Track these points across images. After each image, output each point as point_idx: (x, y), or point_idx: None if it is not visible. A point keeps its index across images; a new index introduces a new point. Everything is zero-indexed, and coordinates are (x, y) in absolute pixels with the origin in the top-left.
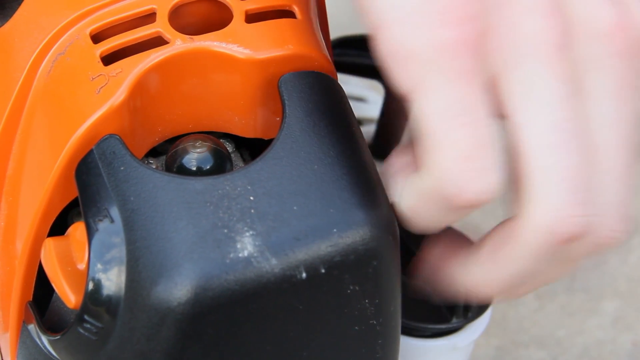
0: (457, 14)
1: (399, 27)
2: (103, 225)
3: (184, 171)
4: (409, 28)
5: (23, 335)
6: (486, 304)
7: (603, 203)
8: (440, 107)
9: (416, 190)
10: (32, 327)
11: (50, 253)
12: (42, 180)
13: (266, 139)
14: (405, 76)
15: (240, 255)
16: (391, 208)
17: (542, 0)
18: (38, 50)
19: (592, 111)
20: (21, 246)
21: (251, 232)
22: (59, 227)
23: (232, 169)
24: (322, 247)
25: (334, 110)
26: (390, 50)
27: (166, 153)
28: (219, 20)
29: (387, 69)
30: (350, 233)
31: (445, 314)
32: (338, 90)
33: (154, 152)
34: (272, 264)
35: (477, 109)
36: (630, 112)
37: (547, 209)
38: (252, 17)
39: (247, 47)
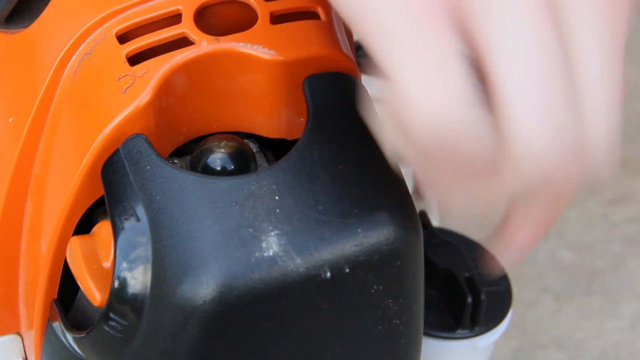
0: None
1: None
2: (129, 224)
3: (208, 171)
4: None
5: (48, 332)
6: (504, 309)
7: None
8: (407, 40)
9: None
10: (57, 325)
11: (76, 251)
12: (68, 179)
13: (290, 139)
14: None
15: (265, 254)
16: (415, 209)
17: None
18: (64, 50)
19: (574, 39)
20: (46, 245)
21: (276, 232)
22: (83, 226)
23: (256, 169)
24: (347, 247)
25: (358, 111)
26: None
27: (191, 153)
28: (244, 21)
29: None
30: (375, 233)
31: (451, 324)
32: (360, 89)
33: (178, 152)
34: (297, 264)
35: (445, 38)
36: (613, 39)
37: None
38: (277, 19)
39: (271, 48)
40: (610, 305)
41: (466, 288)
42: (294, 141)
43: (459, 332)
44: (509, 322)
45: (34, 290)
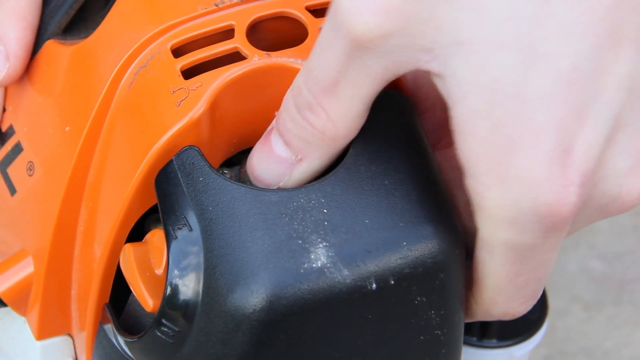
0: None
1: None
2: (182, 233)
3: None
4: None
5: (99, 334)
6: (541, 319)
7: None
8: None
9: None
10: (109, 327)
11: (130, 258)
12: (122, 188)
13: None
14: None
15: (313, 265)
16: (458, 223)
17: None
18: (121, 62)
19: None
20: (100, 250)
21: (324, 244)
22: (134, 233)
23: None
24: (392, 260)
25: (405, 126)
26: None
27: (240, 163)
28: (295, 36)
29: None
30: (419, 246)
31: (476, 334)
32: (409, 106)
33: (228, 163)
34: (344, 275)
35: None
36: None
37: None
38: None
39: None
40: (639, 315)
41: None
42: (342, 154)
43: (494, 341)
44: (544, 332)
45: (86, 294)
